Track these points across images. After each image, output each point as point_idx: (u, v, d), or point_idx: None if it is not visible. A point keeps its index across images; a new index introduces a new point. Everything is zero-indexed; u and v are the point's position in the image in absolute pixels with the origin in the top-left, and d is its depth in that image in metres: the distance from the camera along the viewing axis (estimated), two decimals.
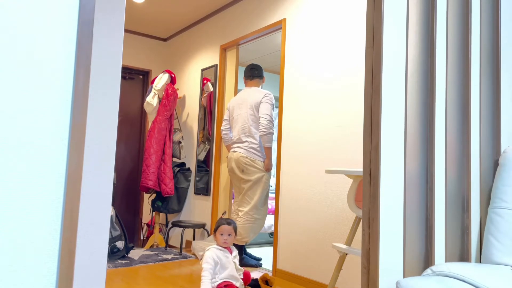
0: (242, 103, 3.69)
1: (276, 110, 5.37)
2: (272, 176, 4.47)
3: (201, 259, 3.85)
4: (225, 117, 3.89)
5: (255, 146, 3.58)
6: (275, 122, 3.95)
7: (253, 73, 3.82)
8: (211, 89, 4.43)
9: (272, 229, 4.78)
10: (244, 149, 3.58)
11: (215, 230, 2.55)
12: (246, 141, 3.59)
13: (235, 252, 2.61)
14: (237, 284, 2.44)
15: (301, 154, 3.24)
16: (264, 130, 3.49)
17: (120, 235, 3.88)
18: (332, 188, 2.93)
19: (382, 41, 1.45)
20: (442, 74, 1.63)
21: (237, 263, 2.57)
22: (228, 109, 3.86)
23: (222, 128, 3.89)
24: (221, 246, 2.51)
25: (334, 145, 2.95)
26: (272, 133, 3.54)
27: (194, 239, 4.39)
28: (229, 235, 2.51)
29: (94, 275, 0.94)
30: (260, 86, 3.87)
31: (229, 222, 2.54)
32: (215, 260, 2.42)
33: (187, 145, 4.82)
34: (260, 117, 3.54)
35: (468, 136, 1.68)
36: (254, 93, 3.65)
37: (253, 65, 3.86)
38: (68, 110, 0.99)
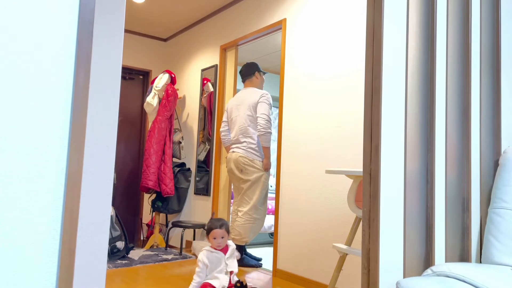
0: (240, 104, 3.71)
1: (276, 110, 5.37)
2: (272, 176, 4.46)
3: None
4: (224, 118, 3.91)
5: (253, 146, 3.59)
6: (275, 123, 3.95)
7: (243, 74, 3.87)
8: (211, 89, 4.43)
9: (272, 229, 4.78)
10: (243, 149, 3.60)
11: (208, 234, 2.47)
12: (245, 141, 3.61)
13: (231, 247, 2.51)
14: (215, 283, 2.39)
15: (301, 154, 3.23)
16: (262, 130, 3.50)
17: (120, 235, 3.88)
18: (332, 188, 2.92)
19: (382, 41, 1.45)
20: (442, 74, 1.63)
21: (231, 263, 2.47)
22: (227, 110, 3.88)
23: (221, 129, 3.91)
24: (215, 249, 2.46)
25: (334, 145, 2.95)
26: (270, 133, 3.54)
27: (194, 239, 4.39)
28: (222, 237, 2.44)
29: (94, 275, 0.94)
30: (261, 83, 3.87)
31: (221, 224, 2.46)
32: (205, 263, 2.40)
33: (187, 145, 4.82)
34: (257, 117, 3.55)
35: (468, 136, 1.67)
36: (251, 94, 3.67)
37: (243, 66, 3.89)
38: (68, 110, 0.99)
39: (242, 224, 3.54)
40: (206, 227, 2.52)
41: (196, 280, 2.39)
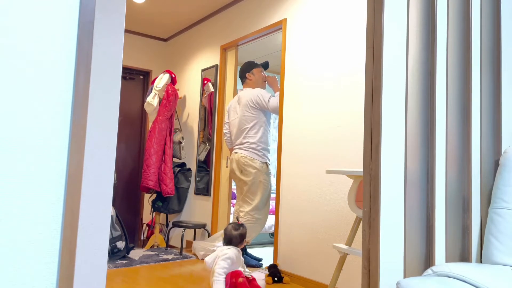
0: (237, 106, 3.80)
1: None
2: (272, 176, 4.47)
3: (201, 259, 3.85)
4: (225, 119, 3.98)
5: (254, 146, 3.63)
6: (276, 123, 3.98)
7: (239, 76, 3.96)
8: (212, 89, 4.44)
9: (273, 229, 4.78)
10: (245, 149, 3.67)
11: (244, 237, 2.75)
12: (246, 141, 3.67)
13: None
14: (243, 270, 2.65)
15: (301, 154, 3.23)
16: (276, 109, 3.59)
17: (120, 235, 3.88)
18: (333, 188, 2.92)
19: (382, 41, 1.45)
20: (442, 74, 1.63)
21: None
22: (227, 112, 3.94)
23: (224, 131, 3.99)
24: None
25: (334, 145, 2.95)
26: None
27: (194, 240, 4.39)
28: None
29: (94, 275, 0.94)
30: (258, 81, 3.88)
31: None
32: (233, 260, 2.62)
33: (188, 146, 4.82)
34: (272, 110, 3.64)
35: (469, 136, 1.67)
36: (247, 94, 3.74)
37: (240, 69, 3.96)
38: (68, 110, 0.99)
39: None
40: (239, 231, 2.75)
41: (223, 275, 2.58)
